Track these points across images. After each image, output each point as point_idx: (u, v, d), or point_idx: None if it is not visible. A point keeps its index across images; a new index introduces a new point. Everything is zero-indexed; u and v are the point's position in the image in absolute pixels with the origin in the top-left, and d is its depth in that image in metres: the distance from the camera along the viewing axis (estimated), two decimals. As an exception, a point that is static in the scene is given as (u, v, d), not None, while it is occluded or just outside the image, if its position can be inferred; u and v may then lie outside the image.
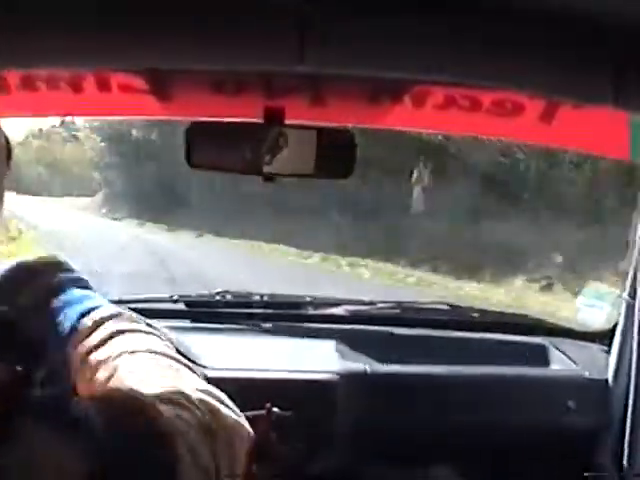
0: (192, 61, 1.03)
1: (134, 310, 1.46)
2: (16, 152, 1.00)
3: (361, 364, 1.54)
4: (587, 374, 1.60)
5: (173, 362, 0.84)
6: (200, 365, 1.45)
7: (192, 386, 0.78)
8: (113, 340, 0.86)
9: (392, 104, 1.42)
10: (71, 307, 0.91)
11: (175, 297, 1.79)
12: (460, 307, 1.95)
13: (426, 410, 1.53)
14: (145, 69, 1.26)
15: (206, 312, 1.76)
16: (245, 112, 1.33)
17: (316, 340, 1.65)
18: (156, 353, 0.84)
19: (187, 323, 1.70)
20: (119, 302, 1.57)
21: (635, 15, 0.89)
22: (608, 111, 1.15)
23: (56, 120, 22.62)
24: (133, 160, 15.88)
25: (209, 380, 1.41)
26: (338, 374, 1.49)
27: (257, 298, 1.83)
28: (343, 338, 1.65)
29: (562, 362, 1.66)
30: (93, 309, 0.91)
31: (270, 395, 1.42)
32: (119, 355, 0.83)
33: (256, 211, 11.71)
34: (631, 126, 1.39)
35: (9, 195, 0.93)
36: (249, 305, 1.81)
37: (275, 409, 1.41)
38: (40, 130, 25.52)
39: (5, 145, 0.92)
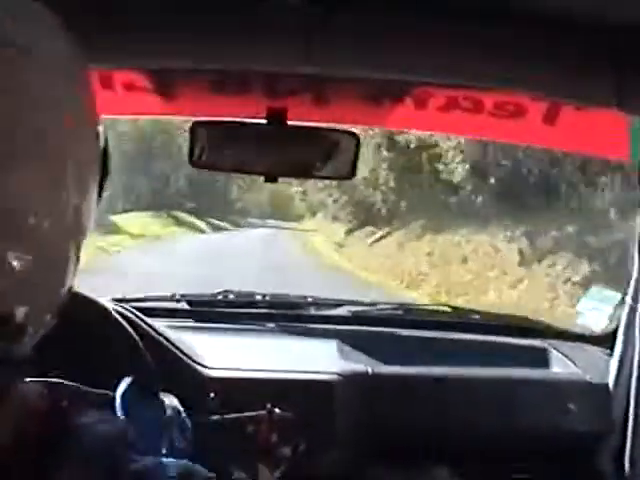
0: (199, 60, 1.04)
1: (137, 309, 1.47)
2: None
3: (362, 365, 1.53)
4: (588, 377, 1.59)
5: None
6: (202, 365, 1.45)
7: None
8: None
9: (394, 105, 1.43)
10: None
11: (177, 296, 1.79)
12: (461, 309, 1.95)
13: (426, 411, 1.53)
14: (149, 68, 1.26)
15: (208, 311, 1.76)
16: (248, 112, 1.33)
17: (317, 341, 1.65)
18: None
19: (189, 322, 1.69)
20: (121, 300, 1.57)
21: (636, 18, 0.89)
22: (608, 113, 1.15)
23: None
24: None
25: (211, 380, 1.42)
26: (339, 375, 1.49)
27: (259, 298, 1.83)
28: (344, 339, 1.64)
29: (563, 365, 1.66)
30: None
31: (271, 395, 1.42)
32: None
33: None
34: (631, 128, 1.39)
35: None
36: (251, 305, 1.81)
37: (276, 409, 1.41)
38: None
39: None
